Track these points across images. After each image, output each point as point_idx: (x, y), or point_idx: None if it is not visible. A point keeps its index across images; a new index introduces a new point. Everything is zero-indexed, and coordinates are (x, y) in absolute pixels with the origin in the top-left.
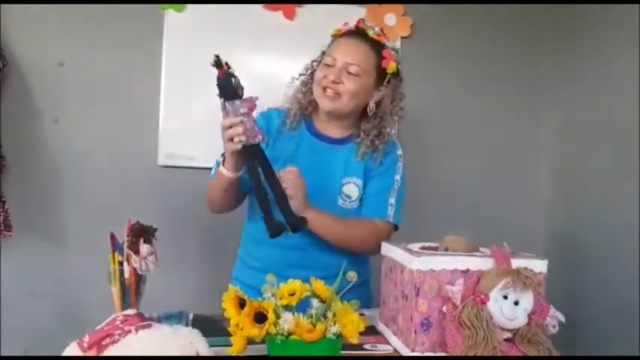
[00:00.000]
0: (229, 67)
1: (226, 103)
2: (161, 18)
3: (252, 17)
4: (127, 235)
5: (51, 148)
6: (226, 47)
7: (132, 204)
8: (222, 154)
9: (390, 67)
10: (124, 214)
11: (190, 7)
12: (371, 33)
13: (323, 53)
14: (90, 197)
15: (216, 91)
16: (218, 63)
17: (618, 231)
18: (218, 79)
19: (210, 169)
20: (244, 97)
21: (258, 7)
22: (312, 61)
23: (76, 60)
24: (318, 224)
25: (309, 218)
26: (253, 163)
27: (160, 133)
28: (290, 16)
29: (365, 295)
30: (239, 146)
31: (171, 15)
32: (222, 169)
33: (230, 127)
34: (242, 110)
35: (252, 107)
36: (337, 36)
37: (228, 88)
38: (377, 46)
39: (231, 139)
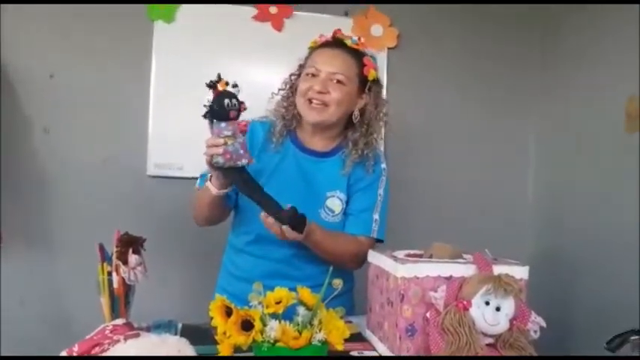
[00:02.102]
0: (235, 86)
1: (212, 124)
2: (150, 29)
3: (240, 29)
4: (116, 246)
5: (41, 157)
6: (215, 58)
7: (121, 214)
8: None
9: (371, 74)
10: (113, 223)
11: (179, 18)
12: (349, 42)
13: (300, 66)
14: (80, 207)
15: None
16: (213, 85)
17: (606, 238)
18: (210, 99)
19: (196, 179)
20: (237, 118)
21: (247, 18)
22: (291, 75)
23: (66, 71)
24: (314, 236)
25: (307, 230)
26: (243, 182)
27: (149, 143)
28: (278, 27)
29: (349, 302)
30: (208, 159)
31: (160, 26)
32: (208, 183)
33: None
34: (225, 132)
35: (237, 130)
36: (315, 47)
37: (218, 109)
38: (357, 54)
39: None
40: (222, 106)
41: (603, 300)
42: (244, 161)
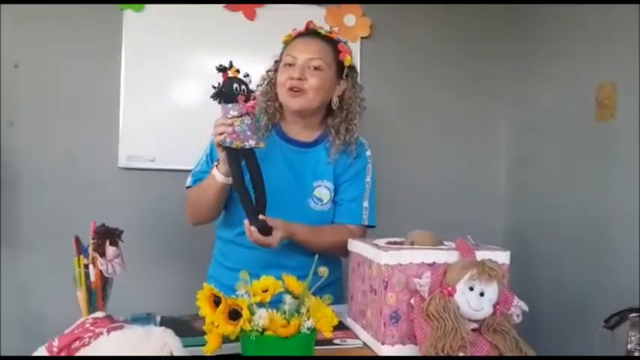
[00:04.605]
0: (247, 76)
1: (221, 105)
2: (119, 18)
3: (212, 17)
4: (93, 238)
5: (7, 151)
6: (185, 47)
7: (92, 207)
8: (217, 160)
9: (347, 59)
10: (84, 217)
11: (149, 7)
12: (323, 31)
13: (276, 62)
14: (49, 201)
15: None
16: (223, 69)
17: (576, 226)
18: (219, 83)
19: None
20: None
21: (219, 7)
22: (268, 71)
23: (32, 61)
24: (297, 237)
25: (289, 234)
26: (238, 166)
27: (121, 135)
28: (251, 16)
29: (338, 292)
30: (218, 139)
31: (129, 15)
32: (215, 171)
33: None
34: (232, 113)
35: (243, 112)
36: (289, 40)
37: (227, 91)
38: (331, 42)
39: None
40: (231, 90)
41: (576, 284)
42: (252, 142)
